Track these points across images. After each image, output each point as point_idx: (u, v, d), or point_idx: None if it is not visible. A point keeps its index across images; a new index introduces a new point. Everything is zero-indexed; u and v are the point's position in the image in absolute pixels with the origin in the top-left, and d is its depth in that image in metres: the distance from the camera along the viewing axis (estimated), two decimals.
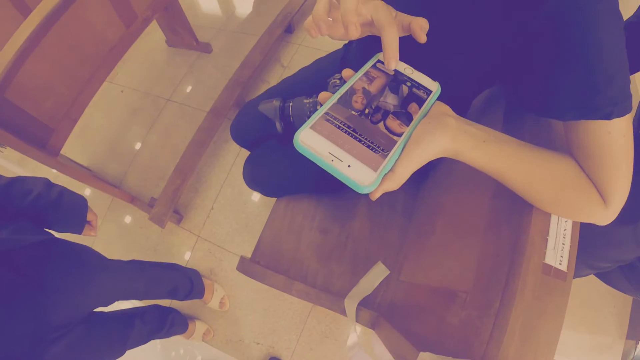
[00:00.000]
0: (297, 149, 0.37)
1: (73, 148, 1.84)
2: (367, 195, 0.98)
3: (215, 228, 1.53)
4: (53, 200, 0.84)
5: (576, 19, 0.39)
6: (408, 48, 0.45)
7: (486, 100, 0.76)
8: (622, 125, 0.42)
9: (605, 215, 0.45)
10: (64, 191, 0.88)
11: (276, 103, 0.81)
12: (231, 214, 1.56)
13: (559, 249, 0.43)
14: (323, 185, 0.96)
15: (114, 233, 1.65)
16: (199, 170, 1.70)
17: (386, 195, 0.98)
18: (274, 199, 1.07)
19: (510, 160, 0.44)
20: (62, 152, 1.32)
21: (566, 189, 0.46)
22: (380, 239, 0.98)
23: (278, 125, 0.82)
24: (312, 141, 0.36)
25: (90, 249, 0.96)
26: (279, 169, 0.92)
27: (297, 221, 1.04)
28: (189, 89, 1.99)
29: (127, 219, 1.67)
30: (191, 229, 1.55)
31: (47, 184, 0.86)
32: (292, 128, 0.81)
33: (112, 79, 2.08)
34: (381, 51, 0.42)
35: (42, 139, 1.25)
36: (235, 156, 1.70)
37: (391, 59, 0.40)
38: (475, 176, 0.62)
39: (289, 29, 2.12)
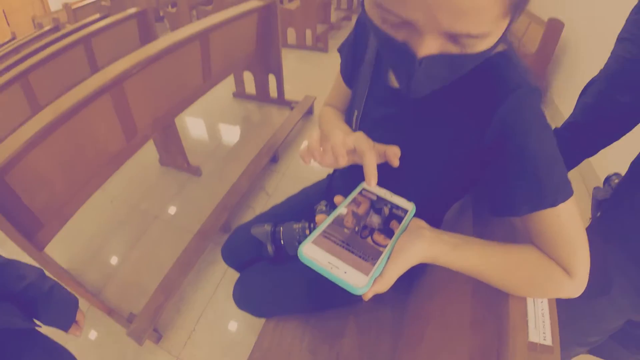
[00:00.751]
0: (301, 259, 0.46)
1: (55, 247, 1.81)
2: (355, 312, 1.07)
3: (196, 350, 1.50)
4: (45, 292, 0.85)
5: (516, 135, 0.50)
6: (387, 176, 0.58)
7: (457, 214, 0.90)
8: (567, 207, 0.50)
9: (573, 285, 0.52)
10: (56, 285, 0.89)
11: (267, 227, 0.91)
12: (213, 337, 1.54)
13: (540, 326, 0.49)
14: (313, 305, 1.02)
15: (87, 344, 1.57)
16: (183, 290, 1.71)
17: (374, 313, 1.06)
18: (258, 325, 1.09)
19: (481, 258, 0.54)
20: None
21: (533, 272, 0.53)
22: (370, 355, 1.02)
23: (269, 248, 0.90)
24: (313, 253, 0.46)
25: (72, 356, 0.94)
26: (269, 290, 0.99)
27: (287, 342, 1.06)
28: (177, 208, 2.09)
29: (102, 332, 1.60)
30: (170, 349, 1.51)
31: (42, 275, 0.87)
32: (282, 251, 0.89)
33: (104, 188, 2.14)
34: (364, 181, 0.55)
35: (30, 230, 1.27)
36: (220, 278, 1.74)
37: (371, 178, 0.53)
38: (453, 280, 0.72)
39: (274, 159, 2.35)
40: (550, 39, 3.61)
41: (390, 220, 0.54)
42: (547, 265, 0.53)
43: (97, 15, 3.95)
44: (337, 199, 0.58)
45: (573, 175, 1.25)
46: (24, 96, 2.34)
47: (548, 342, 0.48)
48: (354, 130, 0.70)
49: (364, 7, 0.46)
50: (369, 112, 0.69)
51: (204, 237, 1.77)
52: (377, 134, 0.62)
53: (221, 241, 1.82)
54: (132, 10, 3.37)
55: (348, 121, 0.75)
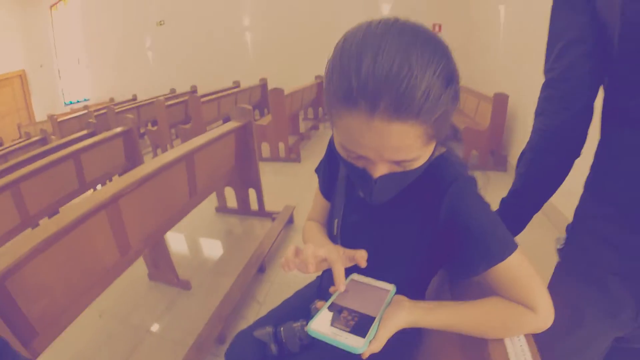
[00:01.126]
0: (310, 334, 0.59)
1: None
2: None
3: None
4: None
5: (460, 215, 0.66)
6: (373, 265, 0.72)
7: (435, 290, 1.00)
8: (516, 258, 0.63)
9: (540, 318, 0.63)
10: None
11: (269, 329, 0.98)
12: None
13: (522, 359, 0.59)
14: None
15: None
16: None
17: None
18: None
19: (454, 315, 0.66)
20: None
21: (502, 317, 0.65)
22: None
23: (273, 348, 0.97)
24: (319, 327, 0.60)
25: None
26: None
27: None
28: (169, 322, 2.07)
29: None
30: None
31: None
32: (284, 349, 0.96)
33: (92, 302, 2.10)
34: (354, 272, 0.73)
35: (26, 338, 1.27)
36: None
37: (340, 285, 0.67)
38: (443, 343, 0.83)
39: (262, 269, 2.40)
40: (499, 111, 4.13)
41: (376, 299, 0.67)
42: (513, 308, 0.65)
43: (85, 132, 4.20)
44: (332, 289, 0.71)
45: (540, 219, 1.37)
46: (14, 204, 2.42)
47: None
48: (336, 235, 0.87)
49: (333, 144, 0.69)
50: (347, 219, 0.85)
51: (199, 349, 1.74)
52: (356, 236, 0.81)
53: (217, 352, 1.81)
54: (118, 130, 3.64)
55: (330, 227, 0.91)
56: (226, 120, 5.94)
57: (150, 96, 7.99)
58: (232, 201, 3.27)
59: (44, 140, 4.88)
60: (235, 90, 6.60)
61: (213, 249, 2.83)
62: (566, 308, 0.63)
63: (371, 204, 0.67)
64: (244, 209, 3.22)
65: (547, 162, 0.89)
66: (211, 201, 3.32)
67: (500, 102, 4.01)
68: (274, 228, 2.77)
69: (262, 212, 3.17)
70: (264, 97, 7.55)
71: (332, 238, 0.88)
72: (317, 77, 7.40)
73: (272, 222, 2.93)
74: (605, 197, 0.78)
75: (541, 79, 0.86)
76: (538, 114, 0.89)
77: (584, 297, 0.83)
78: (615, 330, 0.83)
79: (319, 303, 0.72)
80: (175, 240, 2.97)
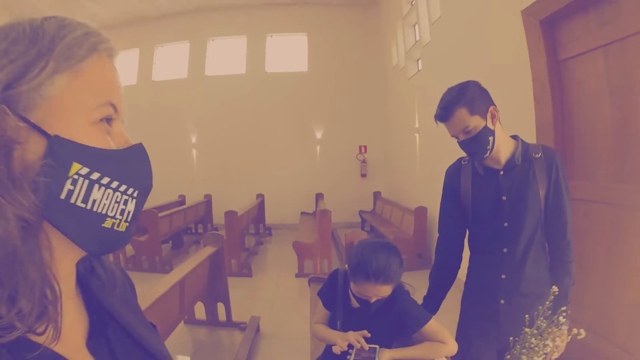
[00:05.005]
0: None
1: None
2: None
3: None
4: None
5: (398, 308, 1.46)
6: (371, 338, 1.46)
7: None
8: (431, 322, 1.42)
9: (449, 347, 1.40)
10: None
11: None
12: None
13: None
14: None
15: None
16: None
17: None
18: None
19: (411, 351, 1.41)
20: None
21: (432, 348, 1.40)
22: None
23: None
24: None
25: None
26: None
27: None
28: None
29: None
30: None
31: None
32: None
33: None
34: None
35: None
36: None
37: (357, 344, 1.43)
38: None
39: None
40: (420, 221, 5.26)
41: (373, 350, 1.40)
42: (436, 344, 1.42)
43: None
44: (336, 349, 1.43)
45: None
46: None
47: None
48: (339, 329, 1.59)
49: (336, 279, 1.60)
50: (345, 321, 1.59)
51: None
52: (353, 329, 1.53)
53: None
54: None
55: (332, 326, 1.62)
56: (176, 232, 6.45)
57: None
58: (199, 314, 3.74)
59: None
60: (184, 207, 7.18)
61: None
62: (461, 341, 1.46)
63: (363, 311, 1.47)
64: (212, 320, 3.69)
65: (442, 278, 1.73)
66: None
67: (420, 213, 5.21)
68: (246, 336, 3.29)
69: (230, 323, 3.66)
70: (207, 212, 8.18)
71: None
72: (258, 195, 8.29)
73: (242, 332, 3.44)
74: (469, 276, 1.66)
75: None
76: (436, 252, 1.76)
77: (469, 334, 1.64)
78: (494, 345, 1.59)
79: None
80: None
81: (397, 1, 7.12)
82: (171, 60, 9.75)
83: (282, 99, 9.23)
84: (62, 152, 0.39)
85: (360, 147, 9.27)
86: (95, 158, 0.42)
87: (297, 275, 5.21)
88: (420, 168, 6.24)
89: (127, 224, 0.46)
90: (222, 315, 3.70)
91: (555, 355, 1.50)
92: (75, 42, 0.42)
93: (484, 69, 3.86)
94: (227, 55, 9.63)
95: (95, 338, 0.49)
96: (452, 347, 1.43)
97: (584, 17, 2.55)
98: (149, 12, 9.14)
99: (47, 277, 0.38)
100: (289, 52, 9.61)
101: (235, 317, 3.70)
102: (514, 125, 3.27)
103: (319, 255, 5.20)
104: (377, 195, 8.65)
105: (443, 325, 1.47)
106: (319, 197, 8.61)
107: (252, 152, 9.24)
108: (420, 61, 6.38)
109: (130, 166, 0.46)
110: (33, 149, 0.38)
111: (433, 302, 1.73)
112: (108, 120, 0.45)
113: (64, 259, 0.44)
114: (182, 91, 9.23)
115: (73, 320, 0.47)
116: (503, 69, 3.52)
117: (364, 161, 9.25)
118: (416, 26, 6.40)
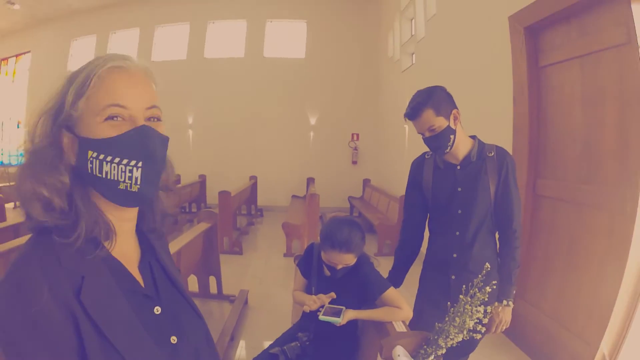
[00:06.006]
0: (320, 319, 1.61)
1: None
2: None
3: None
4: None
5: (361, 276, 1.76)
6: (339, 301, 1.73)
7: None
8: (390, 290, 1.71)
9: (404, 312, 1.67)
10: None
11: (277, 348, 1.81)
12: None
13: (401, 328, 1.57)
14: None
15: None
16: None
17: None
18: None
19: (372, 314, 1.69)
20: None
21: (390, 312, 1.66)
22: None
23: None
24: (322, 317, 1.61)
25: None
26: None
27: None
28: None
29: None
30: None
31: None
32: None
33: None
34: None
35: None
36: None
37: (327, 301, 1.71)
38: (368, 329, 1.76)
39: (232, 338, 3.12)
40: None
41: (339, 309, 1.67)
42: (393, 309, 1.68)
43: None
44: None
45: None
46: None
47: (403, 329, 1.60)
48: (313, 294, 1.82)
49: (312, 251, 1.88)
50: (318, 287, 1.84)
51: None
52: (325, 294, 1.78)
53: None
54: None
55: (308, 292, 1.87)
56: None
57: None
58: (192, 286, 3.97)
59: None
60: (179, 186, 7.36)
61: None
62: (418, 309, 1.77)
63: (333, 278, 1.74)
64: (204, 293, 3.93)
65: (405, 256, 1.97)
66: None
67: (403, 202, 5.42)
68: (235, 308, 3.54)
69: (220, 296, 3.91)
70: (202, 192, 8.38)
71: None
72: (251, 177, 8.50)
73: (232, 304, 3.69)
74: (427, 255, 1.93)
75: None
76: (400, 233, 2.01)
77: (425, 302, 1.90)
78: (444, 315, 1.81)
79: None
80: None
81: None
82: (171, 41, 9.82)
83: (279, 84, 9.38)
84: (83, 145, 0.64)
85: (352, 134, 9.47)
86: (102, 145, 0.62)
87: (285, 255, 5.46)
88: (407, 159, 6.35)
89: (137, 186, 0.64)
90: (213, 288, 3.94)
91: (500, 328, 1.77)
92: (81, 78, 0.64)
93: (471, 68, 4.08)
94: (226, 38, 9.71)
95: (143, 263, 0.75)
96: (407, 313, 1.68)
97: (566, 27, 2.74)
98: None
99: (101, 215, 0.66)
100: (287, 38, 9.70)
101: (225, 291, 3.95)
102: (494, 120, 3.52)
103: (307, 236, 5.45)
104: (366, 182, 8.89)
105: (401, 295, 1.72)
106: (310, 181, 8.85)
107: (247, 135, 9.41)
108: (414, 55, 6.55)
109: (129, 145, 0.63)
110: (73, 146, 0.65)
111: (397, 276, 1.97)
112: (114, 117, 0.63)
113: (110, 207, 0.67)
114: (181, 72, 9.28)
115: (130, 248, 0.74)
116: (488, 69, 3.73)
117: (355, 148, 9.47)
118: (413, 21, 6.56)
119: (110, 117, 0.63)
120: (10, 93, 10.90)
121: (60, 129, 0.64)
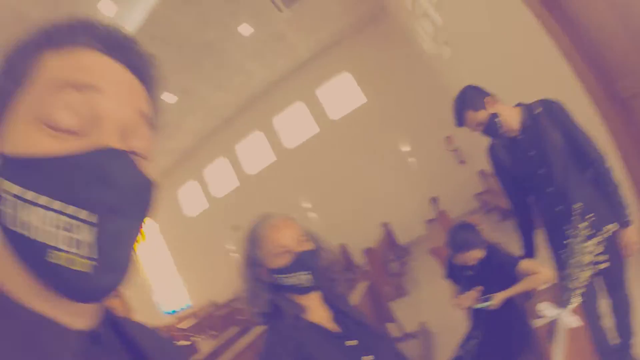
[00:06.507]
0: (476, 307, 1.95)
1: None
2: None
3: None
4: None
5: (495, 262, 1.92)
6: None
7: None
8: (522, 262, 1.84)
9: (544, 276, 1.71)
10: None
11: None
12: None
13: None
14: None
15: None
16: None
17: None
18: None
19: (515, 288, 1.82)
20: None
21: (532, 280, 1.77)
22: None
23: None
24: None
25: None
26: None
27: None
28: None
29: None
30: None
31: None
32: None
33: None
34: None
35: None
36: None
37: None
38: None
39: None
40: None
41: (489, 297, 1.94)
42: (532, 277, 1.80)
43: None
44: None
45: None
46: None
47: None
48: None
49: None
50: (468, 287, 2.07)
51: None
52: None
53: None
54: None
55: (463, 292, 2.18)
56: None
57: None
58: None
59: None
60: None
61: None
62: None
63: (475, 276, 2.05)
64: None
65: (524, 228, 2.12)
66: None
67: None
68: (421, 339, 3.87)
69: (406, 336, 4.27)
70: (346, 258, 8.95)
71: None
72: (382, 224, 8.86)
73: (417, 338, 4.03)
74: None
75: None
76: (511, 210, 2.23)
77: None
78: None
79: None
80: None
81: (401, 2, 7.09)
82: (252, 153, 11.46)
83: (359, 133, 9.98)
84: None
85: (445, 139, 9.30)
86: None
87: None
88: None
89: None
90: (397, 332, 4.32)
91: (633, 249, 1.83)
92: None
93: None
94: (294, 124, 10.97)
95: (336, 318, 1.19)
96: (546, 275, 1.73)
97: None
98: None
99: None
100: (342, 93, 10.48)
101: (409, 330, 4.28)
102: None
103: None
104: (482, 172, 8.41)
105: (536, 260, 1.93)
106: (433, 201, 8.92)
107: (361, 188, 10.05)
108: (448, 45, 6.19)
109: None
110: None
111: (528, 247, 2.16)
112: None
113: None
114: (278, 174, 10.65)
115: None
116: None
117: (455, 150, 9.27)
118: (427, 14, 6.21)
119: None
120: None
121: None
